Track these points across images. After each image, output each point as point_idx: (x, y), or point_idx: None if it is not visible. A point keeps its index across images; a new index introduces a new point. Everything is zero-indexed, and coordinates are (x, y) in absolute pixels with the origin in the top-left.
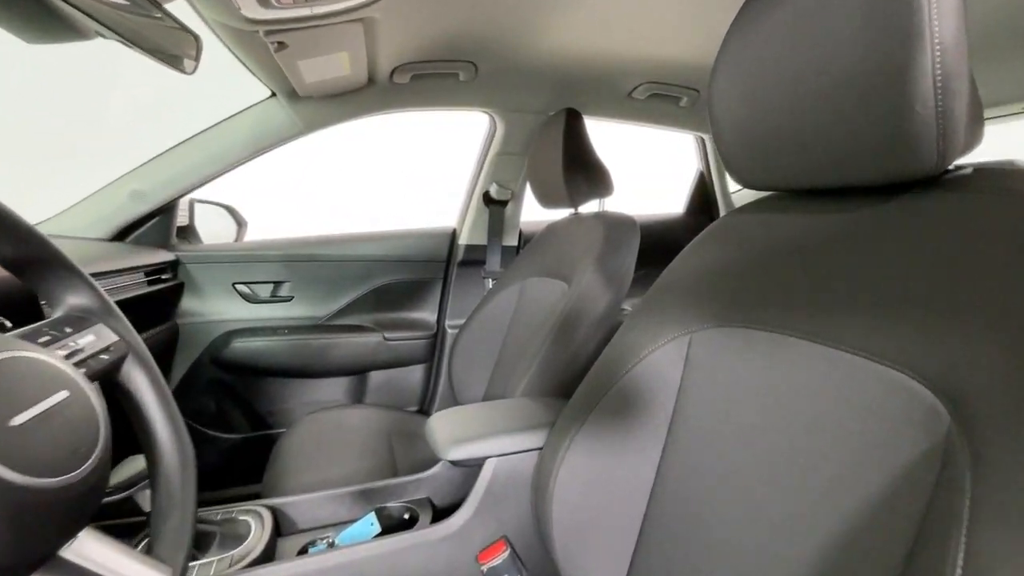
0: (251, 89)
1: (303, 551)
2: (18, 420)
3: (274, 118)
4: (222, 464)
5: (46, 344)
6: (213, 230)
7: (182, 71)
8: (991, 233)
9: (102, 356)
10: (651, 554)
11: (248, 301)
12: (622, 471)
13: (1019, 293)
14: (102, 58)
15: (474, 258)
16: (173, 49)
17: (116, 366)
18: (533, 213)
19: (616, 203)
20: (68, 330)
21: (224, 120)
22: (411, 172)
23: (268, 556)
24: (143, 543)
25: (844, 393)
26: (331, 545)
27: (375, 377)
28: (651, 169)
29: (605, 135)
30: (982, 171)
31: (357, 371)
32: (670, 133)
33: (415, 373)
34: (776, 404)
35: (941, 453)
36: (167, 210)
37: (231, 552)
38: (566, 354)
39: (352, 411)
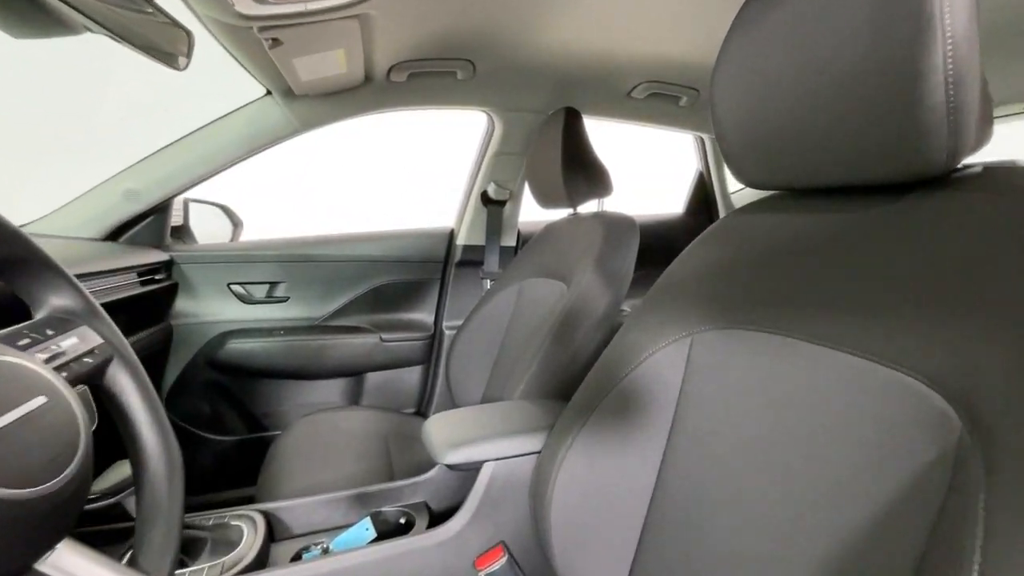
0: (248, 87)
1: (297, 557)
2: None
3: (270, 116)
4: (216, 467)
5: (26, 347)
6: (208, 230)
7: (173, 68)
8: (1003, 233)
9: (85, 359)
10: (651, 560)
11: (243, 302)
12: (622, 475)
13: None
14: (95, 53)
15: (472, 258)
16: (164, 45)
17: (100, 370)
18: (531, 213)
19: (615, 203)
20: (50, 332)
21: (219, 118)
22: (409, 172)
23: (261, 562)
24: (129, 553)
25: (850, 397)
26: (325, 551)
27: (372, 379)
28: (650, 169)
29: (605, 135)
30: (992, 170)
31: (353, 373)
32: (670, 133)
33: (412, 375)
34: (780, 408)
35: (952, 459)
36: (161, 209)
37: (222, 559)
38: (565, 356)
39: (348, 413)
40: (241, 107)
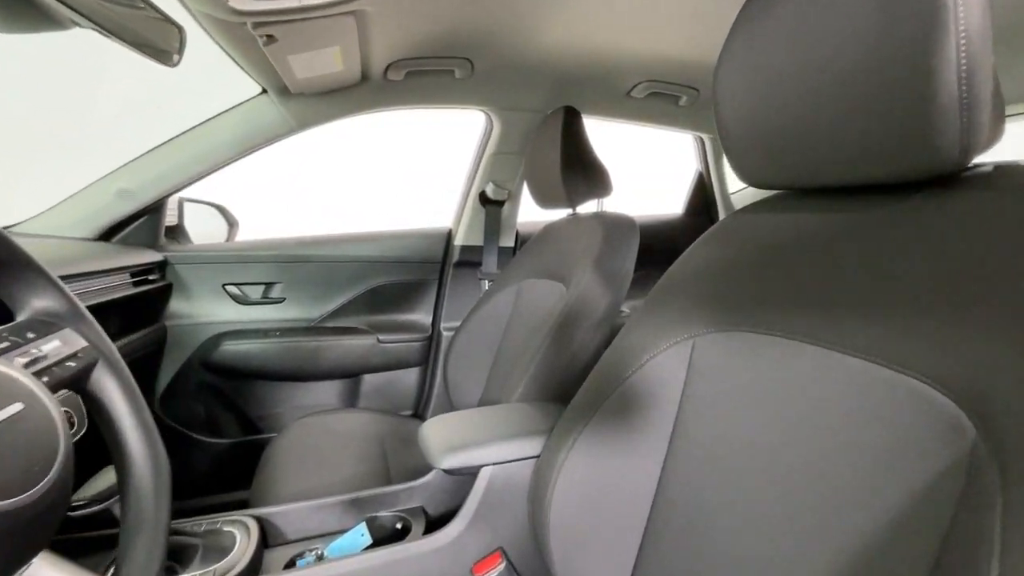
0: (244, 86)
1: (290, 564)
2: None
3: (265, 115)
4: (210, 470)
5: (3, 351)
6: (203, 230)
7: (165, 64)
8: (1017, 234)
9: (68, 363)
10: (652, 567)
11: (239, 303)
12: (623, 480)
13: None
14: (86, 49)
15: (470, 259)
16: (155, 40)
17: (85, 374)
18: (530, 213)
19: (615, 203)
20: (31, 335)
21: (214, 117)
22: (406, 171)
23: (254, 570)
24: (113, 566)
25: (857, 402)
26: (320, 558)
27: (369, 380)
28: (650, 169)
29: (604, 135)
30: (1003, 169)
31: (350, 374)
32: (669, 133)
33: (409, 376)
34: (784, 412)
35: (966, 467)
36: (155, 209)
37: (213, 566)
38: (564, 357)
39: (345, 415)
40: (236, 105)
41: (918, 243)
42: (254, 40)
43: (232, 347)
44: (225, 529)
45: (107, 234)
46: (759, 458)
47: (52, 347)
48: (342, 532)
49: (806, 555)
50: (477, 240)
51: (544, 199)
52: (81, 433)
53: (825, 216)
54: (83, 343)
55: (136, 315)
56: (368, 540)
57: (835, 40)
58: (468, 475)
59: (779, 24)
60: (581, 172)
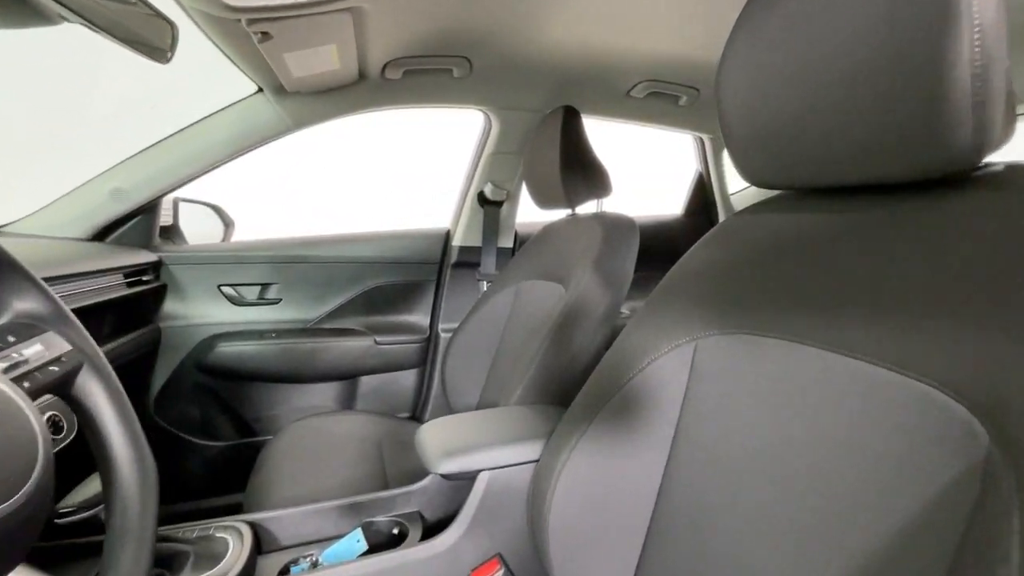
0: (241, 85)
1: (284, 571)
2: None
3: (261, 114)
4: (205, 473)
5: None
6: (198, 230)
7: (157, 60)
8: None
9: (51, 368)
10: (654, 572)
11: (234, 304)
12: (624, 484)
13: None
14: (80, 47)
15: (468, 260)
16: (146, 37)
17: (69, 379)
18: (529, 214)
19: (614, 204)
20: (11, 339)
21: (210, 116)
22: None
23: None
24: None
25: (863, 407)
26: (314, 565)
27: (366, 382)
28: (650, 169)
29: (603, 135)
30: (1016, 168)
31: (347, 376)
32: (669, 133)
33: (407, 378)
34: (788, 416)
35: (980, 476)
36: (150, 209)
37: (205, 574)
38: (563, 359)
39: (341, 418)
40: (232, 104)
41: (927, 244)
42: (249, 37)
43: (227, 348)
44: (217, 535)
45: (101, 234)
46: (762, 461)
47: (34, 351)
48: (337, 538)
49: (810, 559)
50: (475, 241)
51: (543, 199)
52: (70, 438)
53: (828, 217)
54: (67, 347)
55: (130, 316)
56: (364, 546)
57: (841, 35)
58: (466, 480)
59: (783, 20)
60: (580, 172)
